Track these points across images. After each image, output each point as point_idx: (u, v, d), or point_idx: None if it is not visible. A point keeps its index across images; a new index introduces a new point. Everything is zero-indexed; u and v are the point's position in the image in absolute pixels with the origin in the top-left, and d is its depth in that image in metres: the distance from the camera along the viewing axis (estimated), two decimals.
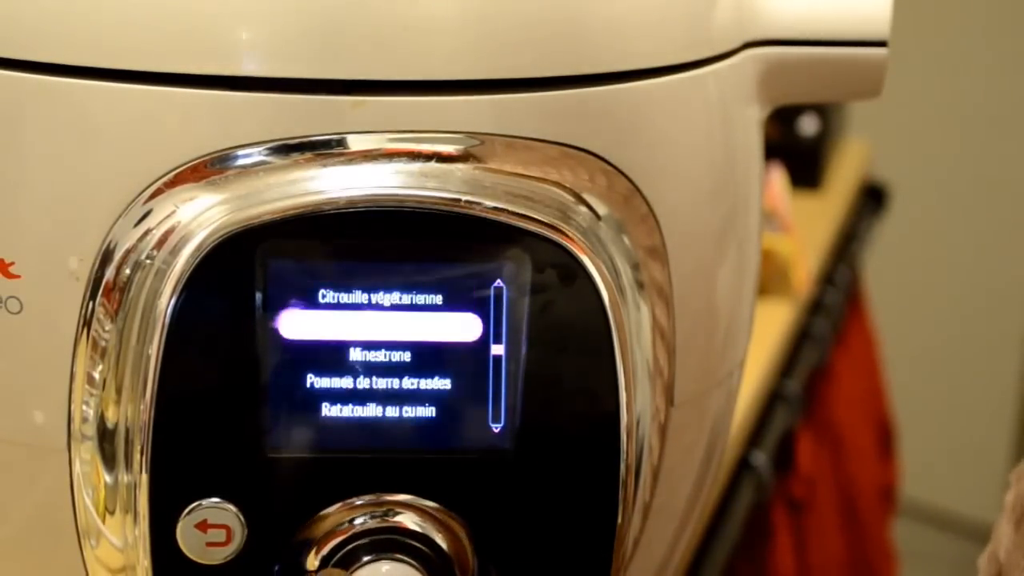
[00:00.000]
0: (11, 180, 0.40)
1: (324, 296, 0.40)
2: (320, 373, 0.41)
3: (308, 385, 0.41)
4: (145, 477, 0.40)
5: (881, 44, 0.47)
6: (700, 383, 0.47)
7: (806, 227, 1.13)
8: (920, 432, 1.77)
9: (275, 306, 0.40)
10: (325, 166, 0.39)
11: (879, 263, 1.63)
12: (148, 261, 0.39)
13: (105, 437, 0.41)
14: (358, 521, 0.41)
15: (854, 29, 0.47)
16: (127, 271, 0.40)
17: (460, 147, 0.40)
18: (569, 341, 0.41)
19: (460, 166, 0.40)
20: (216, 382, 0.40)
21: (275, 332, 0.40)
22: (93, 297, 0.40)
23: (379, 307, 0.41)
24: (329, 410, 0.41)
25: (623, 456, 0.42)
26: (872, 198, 1.43)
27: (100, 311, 0.40)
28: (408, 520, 0.42)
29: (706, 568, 0.78)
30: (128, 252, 0.40)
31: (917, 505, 2.02)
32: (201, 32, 0.39)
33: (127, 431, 0.40)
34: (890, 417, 1.37)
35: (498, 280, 0.41)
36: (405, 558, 0.41)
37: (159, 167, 0.39)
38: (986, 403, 2.05)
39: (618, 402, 0.41)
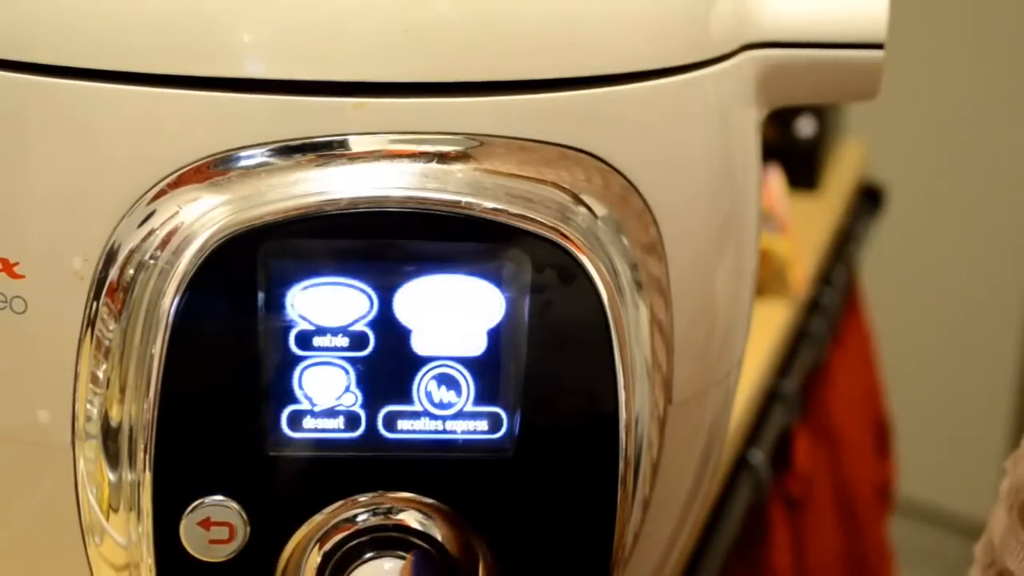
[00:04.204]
0: (15, 181, 0.41)
1: (325, 296, 0.41)
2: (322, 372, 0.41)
3: (310, 384, 0.41)
4: (148, 475, 0.40)
5: (878, 46, 0.48)
6: (698, 382, 0.47)
7: (803, 228, 1.13)
8: (916, 431, 1.77)
9: (277, 306, 0.40)
10: (327, 167, 0.40)
11: (876, 263, 1.63)
12: (152, 261, 0.40)
13: (109, 436, 0.41)
14: (360, 519, 0.42)
15: (851, 31, 0.47)
16: (131, 271, 0.40)
17: (460, 148, 0.40)
18: (568, 340, 0.42)
19: (460, 167, 0.40)
20: (219, 381, 0.40)
21: (277, 332, 0.41)
22: (97, 297, 0.40)
23: (379, 307, 0.41)
24: (331, 408, 0.41)
25: (622, 453, 0.42)
26: (869, 199, 1.43)
27: (104, 311, 0.40)
28: (409, 518, 0.42)
29: (704, 565, 0.79)
30: (132, 252, 0.40)
31: (913, 503, 2.02)
32: (203, 34, 0.39)
33: (131, 430, 0.41)
34: (887, 416, 1.37)
35: (498, 280, 0.41)
36: (407, 555, 0.42)
37: (162, 168, 0.40)
38: (982, 402, 2.05)
39: (617, 400, 0.42)
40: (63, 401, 0.41)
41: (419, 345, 0.41)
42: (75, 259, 0.40)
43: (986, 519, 0.45)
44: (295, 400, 0.41)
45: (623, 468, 0.42)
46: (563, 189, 0.41)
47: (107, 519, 0.42)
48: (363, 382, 0.41)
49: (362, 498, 0.42)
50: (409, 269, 0.41)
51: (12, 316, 0.41)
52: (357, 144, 0.40)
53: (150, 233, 0.40)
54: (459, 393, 0.42)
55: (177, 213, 0.40)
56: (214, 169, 0.40)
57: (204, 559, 0.41)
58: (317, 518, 0.42)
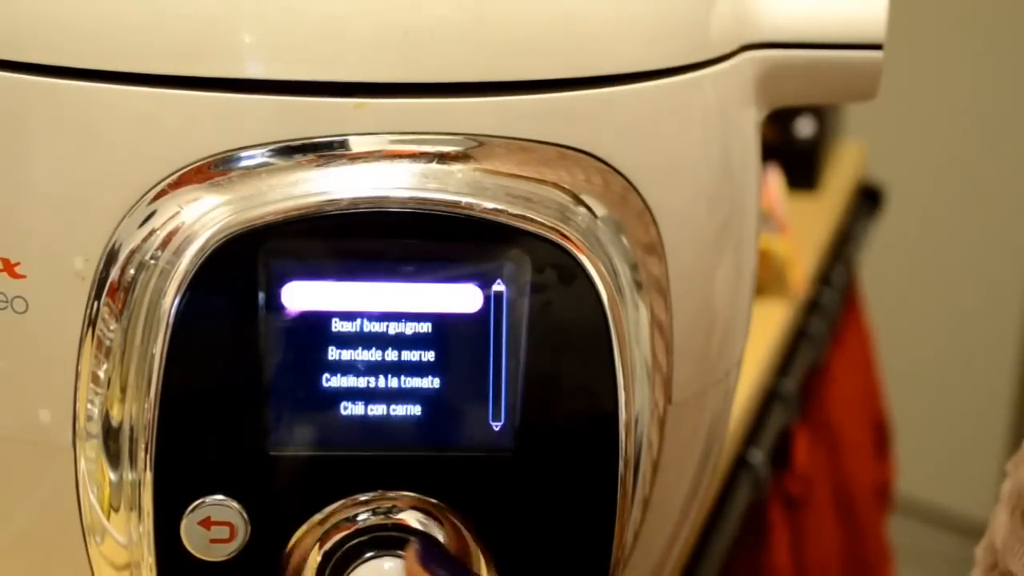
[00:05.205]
0: (17, 181, 0.41)
1: (326, 296, 0.41)
2: (322, 372, 0.41)
3: (310, 384, 0.41)
4: (149, 475, 0.40)
5: (876, 47, 0.48)
6: (698, 381, 0.47)
7: (803, 228, 1.13)
8: (916, 430, 1.77)
9: (277, 306, 0.40)
10: (327, 167, 0.40)
11: (875, 263, 1.63)
12: (152, 261, 0.40)
13: (110, 435, 0.41)
14: (360, 518, 0.42)
15: (850, 32, 0.47)
16: (132, 271, 0.40)
17: (460, 148, 0.40)
18: (568, 340, 0.42)
19: (460, 167, 0.40)
20: (219, 381, 0.40)
21: (277, 332, 0.41)
22: (98, 297, 0.40)
23: (380, 307, 0.41)
24: (331, 408, 0.41)
25: (622, 453, 0.42)
26: (868, 199, 1.43)
27: (105, 311, 0.40)
28: (410, 517, 0.42)
29: (704, 564, 0.79)
30: (133, 252, 0.40)
31: (913, 503, 2.02)
32: (204, 34, 0.39)
33: (131, 429, 0.41)
34: (886, 415, 1.37)
35: (498, 280, 0.41)
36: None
37: (163, 169, 0.40)
38: (981, 401, 2.06)
39: (617, 400, 0.42)
40: (64, 401, 0.41)
41: (419, 344, 0.41)
42: (76, 259, 0.40)
43: (986, 519, 0.45)
44: (296, 400, 0.41)
45: (623, 468, 0.42)
46: (563, 189, 0.41)
47: (108, 518, 0.42)
48: (364, 381, 0.41)
49: (362, 498, 0.42)
50: (409, 269, 0.41)
51: (13, 316, 0.41)
52: (357, 144, 0.40)
53: (151, 233, 0.40)
54: (459, 392, 0.42)
55: (178, 213, 0.40)
56: (215, 169, 0.40)
57: (205, 558, 0.41)
58: (317, 518, 0.42)
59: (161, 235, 0.40)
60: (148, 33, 0.39)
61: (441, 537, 0.42)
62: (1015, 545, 0.42)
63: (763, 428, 0.93)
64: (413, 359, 0.41)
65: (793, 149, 1.27)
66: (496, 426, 0.42)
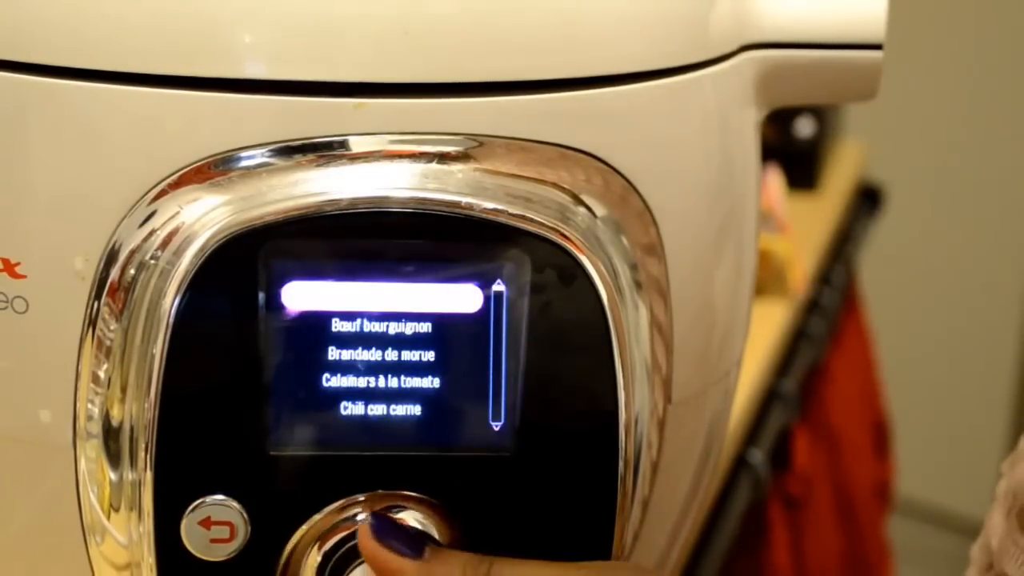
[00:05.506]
0: (17, 181, 0.41)
1: (326, 296, 0.41)
2: (322, 372, 0.41)
3: (310, 384, 0.41)
4: (149, 475, 0.40)
5: (876, 47, 0.48)
6: (698, 381, 0.47)
7: (802, 228, 1.13)
8: (915, 430, 1.77)
9: (278, 306, 0.40)
10: (327, 167, 0.40)
11: (874, 263, 1.63)
12: (152, 261, 0.40)
13: (110, 435, 0.41)
14: (360, 518, 0.42)
15: (850, 32, 0.47)
16: (132, 271, 0.40)
17: (460, 148, 0.40)
18: (568, 340, 0.42)
19: (460, 167, 0.40)
20: (219, 381, 0.41)
21: (277, 332, 0.41)
22: (98, 297, 0.40)
23: (380, 307, 0.41)
24: (331, 408, 0.41)
25: (622, 453, 0.42)
26: (868, 199, 1.44)
27: (105, 311, 0.40)
28: (409, 517, 0.42)
29: (704, 564, 0.79)
30: (133, 252, 0.40)
31: (913, 503, 2.02)
32: (204, 35, 0.39)
33: (132, 429, 0.41)
34: (885, 415, 1.38)
35: (498, 280, 0.41)
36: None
37: (163, 169, 0.40)
38: (980, 401, 2.06)
39: (617, 400, 0.42)
40: (64, 401, 0.41)
41: (419, 344, 0.41)
42: (76, 259, 0.40)
43: (984, 518, 0.45)
44: (296, 400, 0.41)
45: (623, 468, 0.42)
46: (563, 189, 0.41)
47: (108, 518, 0.42)
48: (364, 381, 0.41)
49: (362, 498, 0.42)
50: (409, 269, 0.41)
51: (13, 316, 0.41)
52: (357, 144, 0.40)
53: (151, 233, 0.40)
54: (459, 392, 0.42)
55: (178, 213, 0.40)
56: (215, 169, 0.40)
57: (205, 558, 0.41)
58: (317, 517, 0.42)
59: (161, 235, 0.40)
60: (148, 33, 0.39)
61: (439, 536, 0.42)
62: (1011, 547, 0.42)
63: (763, 428, 0.94)
64: (413, 359, 0.42)
65: (793, 149, 1.27)
66: (496, 426, 0.42)
